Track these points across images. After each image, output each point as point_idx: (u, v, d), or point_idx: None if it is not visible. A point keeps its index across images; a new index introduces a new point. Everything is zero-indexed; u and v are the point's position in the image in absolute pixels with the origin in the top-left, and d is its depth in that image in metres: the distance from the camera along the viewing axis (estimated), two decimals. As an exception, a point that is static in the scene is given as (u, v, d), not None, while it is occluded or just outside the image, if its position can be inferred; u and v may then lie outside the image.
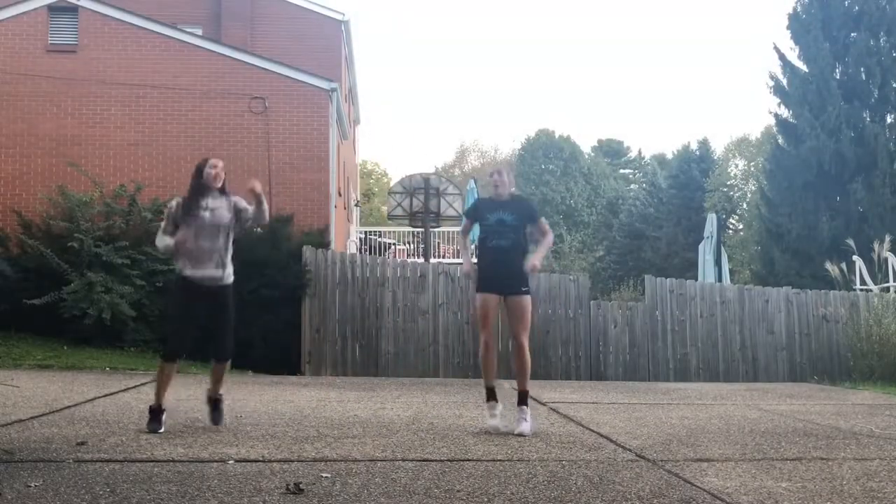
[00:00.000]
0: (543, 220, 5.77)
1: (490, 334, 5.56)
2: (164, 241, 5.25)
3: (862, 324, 11.83)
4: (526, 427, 5.31)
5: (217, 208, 5.19)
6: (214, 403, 5.33)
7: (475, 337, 10.11)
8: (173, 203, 5.27)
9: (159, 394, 5.07)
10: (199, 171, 5.27)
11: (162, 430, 4.95)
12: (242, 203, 5.33)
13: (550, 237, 5.75)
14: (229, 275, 5.21)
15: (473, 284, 6.01)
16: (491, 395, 5.60)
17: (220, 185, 5.25)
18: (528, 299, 5.49)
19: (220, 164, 5.30)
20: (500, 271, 5.48)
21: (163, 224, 5.31)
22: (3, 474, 3.67)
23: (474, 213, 5.87)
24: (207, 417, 5.34)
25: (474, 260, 5.93)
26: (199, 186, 5.20)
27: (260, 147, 13.12)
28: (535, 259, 5.53)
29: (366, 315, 11.22)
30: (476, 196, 17.30)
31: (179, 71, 13.26)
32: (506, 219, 5.53)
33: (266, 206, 5.29)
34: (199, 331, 5.25)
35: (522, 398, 5.48)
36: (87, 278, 10.60)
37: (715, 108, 76.09)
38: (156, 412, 5.02)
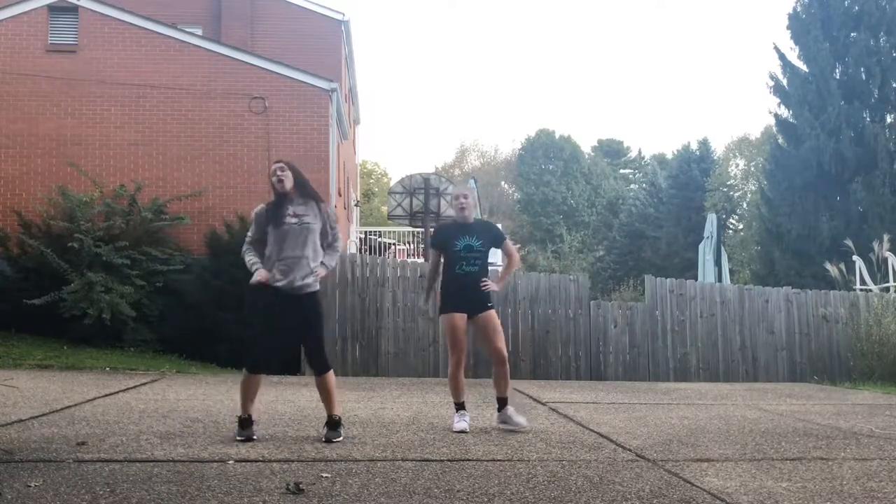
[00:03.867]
0: (509, 241, 5.83)
1: (462, 353, 5.55)
2: (250, 256, 5.01)
3: (862, 324, 11.83)
4: (521, 420, 5.46)
5: (303, 215, 4.94)
6: (328, 423, 4.95)
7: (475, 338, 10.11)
8: (260, 209, 5.02)
9: (245, 404, 4.87)
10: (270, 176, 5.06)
11: (255, 437, 4.79)
12: (332, 219, 5.12)
13: (517, 258, 5.87)
14: (316, 282, 4.96)
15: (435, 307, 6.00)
16: (461, 407, 5.58)
17: (287, 188, 4.94)
18: (494, 312, 5.61)
19: (281, 164, 5.01)
20: (467, 294, 5.51)
21: (249, 233, 5.05)
22: (3, 474, 3.67)
23: (441, 243, 5.66)
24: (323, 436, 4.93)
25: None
26: (277, 196, 4.97)
27: (260, 147, 13.12)
28: (500, 281, 5.75)
29: (366, 315, 11.22)
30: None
31: (179, 71, 13.25)
32: (473, 244, 5.54)
33: (335, 252, 5.12)
34: (283, 342, 4.99)
35: (503, 403, 5.55)
36: (87, 278, 10.60)
37: (715, 108, 76.16)
38: (245, 422, 4.84)
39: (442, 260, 5.67)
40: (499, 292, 5.74)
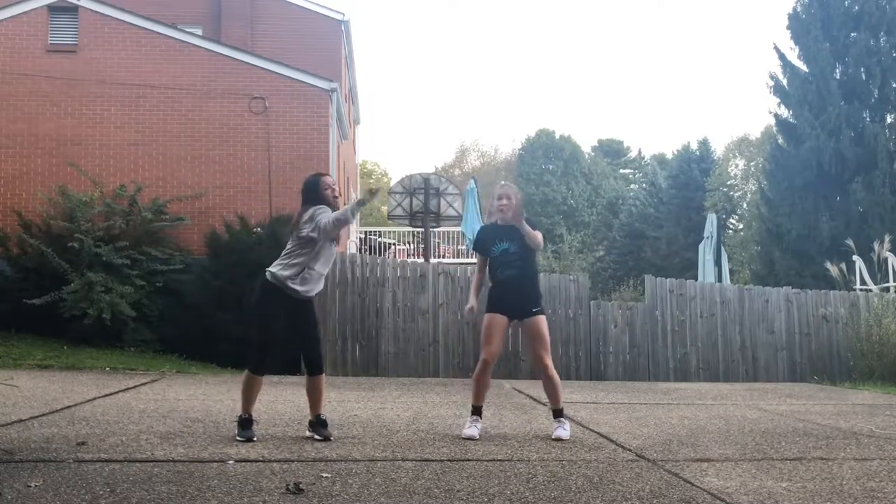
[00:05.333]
0: (538, 233, 5.30)
1: (492, 354, 5.32)
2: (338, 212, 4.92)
3: (862, 324, 11.82)
4: (562, 432, 5.17)
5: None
6: (318, 421, 5.00)
7: (476, 338, 10.10)
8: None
9: (247, 404, 4.92)
10: (316, 189, 5.02)
11: (255, 438, 4.80)
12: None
13: (538, 238, 5.28)
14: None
15: (471, 319, 5.77)
16: (476, 412, 5.33)
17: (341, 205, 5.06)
18: (542, 319, 5.31)
19: (333, 179, 5.15)
20: (510, 298, 5.30)
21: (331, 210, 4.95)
22: (3, 474, 3.67)
23: (481, 247, 5.54)
24: (316, 435, 4.95)
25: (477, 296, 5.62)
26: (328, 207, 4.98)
27: (260, 147, 13.12)
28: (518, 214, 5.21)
29: (366, 315, 11.22)
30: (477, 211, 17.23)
31: (179, 71, 13.25)
32: (509, 248, 5.30)
33: None
34: (286, 344, 5.03)
35: (557, 414, 5.31)
36: (87, 278, 10.60)
37: (715, 108, 76.11)
38: (245, 422, 4.88)
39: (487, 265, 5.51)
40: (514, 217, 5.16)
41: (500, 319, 5.32)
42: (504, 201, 5.34)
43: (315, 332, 5.09)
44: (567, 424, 5.30)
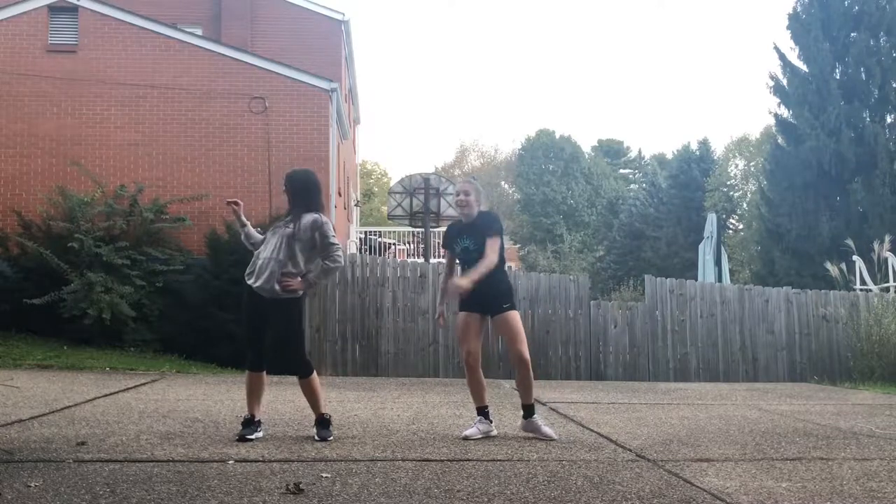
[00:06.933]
0: (494, 240, 5.16)
1: (469, 353, 5.24)
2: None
3: (862, 324, 11.82)
4: (549, 430, 5.18)
5: (289, 222, 4.99)
6: (317, 421, 5.00)
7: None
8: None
9: (248, 403, 4.95)
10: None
11: (252, 437, 4.77)
12: (324, 232, 4.94)
13: (487, 260, 5.09)
14: (285, 291, 4.86)
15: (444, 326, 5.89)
16: (480, 413, 5.25)
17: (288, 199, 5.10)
18: (512, 314, 5.19)
19: (284, 180, 5.18)
20: (477, 295, 5.14)
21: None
22: (3, 474, 3.67)
23: (448, 245, 5.47)
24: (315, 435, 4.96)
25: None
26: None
27: (260, 147, 13.11)
28: (465, 279, 5.04)
29: (366, 315, 11.22)
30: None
31: (179, 71, 13.24)
32: (469, 246, 5.25)
33: (322, 274, 5.12)
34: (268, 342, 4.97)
35: (527, 411, 5.23)
36: (87, 278, 10.60)
37: (715, 108, 76.15)
38: (246, 422, 4.88)
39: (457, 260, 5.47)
40: (463, 291, 5.04)
41: (472, 317, 5.26)
42: (462, 197, 5.29)
43: (282, 336, 4.85)
44: (542, 422, 5.28)
